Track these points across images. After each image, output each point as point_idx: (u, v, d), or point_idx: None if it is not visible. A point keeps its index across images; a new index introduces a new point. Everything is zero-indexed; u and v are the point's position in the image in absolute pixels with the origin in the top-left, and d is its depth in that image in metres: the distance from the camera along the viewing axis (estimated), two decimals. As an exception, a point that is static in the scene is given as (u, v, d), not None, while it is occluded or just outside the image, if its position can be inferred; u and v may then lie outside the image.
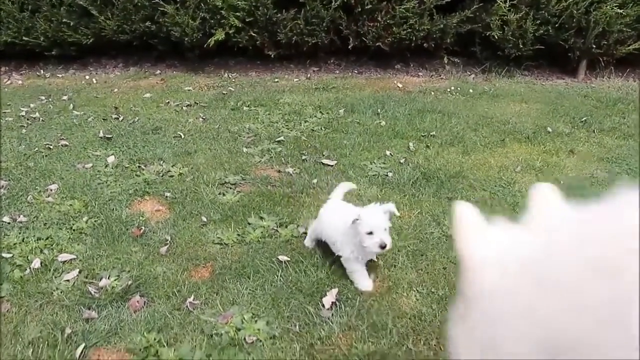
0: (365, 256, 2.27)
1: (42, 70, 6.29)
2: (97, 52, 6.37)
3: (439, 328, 2.04)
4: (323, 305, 2.20)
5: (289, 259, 2.49)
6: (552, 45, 5.43)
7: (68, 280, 2.42)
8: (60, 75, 6.18)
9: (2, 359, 1.98)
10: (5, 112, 4.80)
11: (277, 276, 2.38)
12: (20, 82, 5.99)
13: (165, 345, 2.03)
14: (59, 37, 5.92)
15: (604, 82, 5.59)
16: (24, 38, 5.88)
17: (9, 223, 2.91)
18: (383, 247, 2.11)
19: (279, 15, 5.52)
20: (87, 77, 6.05)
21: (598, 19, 5.12)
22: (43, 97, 5.26)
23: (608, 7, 5.05)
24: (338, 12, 5.36)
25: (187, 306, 2.23)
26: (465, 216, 0.93)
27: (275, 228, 2.79)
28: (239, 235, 2.76)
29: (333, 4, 5.27)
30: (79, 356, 1.99)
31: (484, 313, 0.75)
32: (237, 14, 5.52)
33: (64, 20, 5.78)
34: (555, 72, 5.82)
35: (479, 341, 0.76)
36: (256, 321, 2.14)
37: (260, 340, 2.03)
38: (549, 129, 4.16)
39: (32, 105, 5.01)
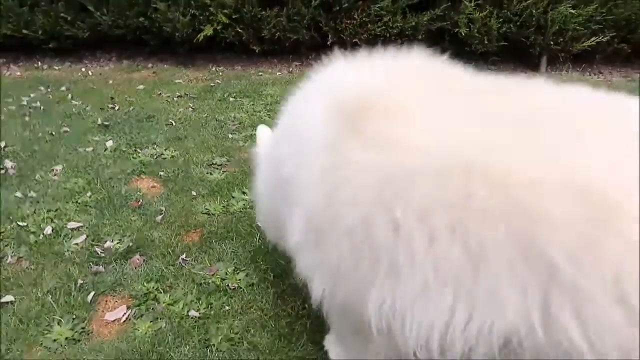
0: None
1: (39, 63, 6.63)
2: (92, 45, 6.71)
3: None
4: (294, 261, 2.63)
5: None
6: (515, 42, 5.88)
7: (77, 244, 2.83)
8: (57, 68, 6.54)
9: (26, 304, 2.39)
10: (7, 102, 5.16)
11: (256, 238, 2.81)
12: (18, 73, 6.35)
13: (162, 292, 2.45)
14: (57, 31, 6.26)
15: (562, 75, 6.07)
16: (23, 31, 6.22)
17: (20, 198, 3.31)
18: None
19: (264, 12, 5.92)
20: (83, 69, 6.41)
21: (555, 18, 5.58)
22: (42, 88, 5.62)
23: (563, 7, 5.52)
24: (318, 10, 5.77)
25: (179, 262, 2.65)
26: (261, 131, 2.16)
27: (256, 201, 3.22)
28: (224, 207, 3.18)
29: (313, 2, 5.69)
30: (90, 301, 2.41)
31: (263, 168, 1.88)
32: (225, 11, 5.91)
33: (61, 14, 6.13)
34: (520, 67, 6.28)
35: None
36: (238, 273, 2.57)
37: (241, 287, 2.47)
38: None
39: (32, 95, 5.37)
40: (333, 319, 1.61)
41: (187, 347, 2.12)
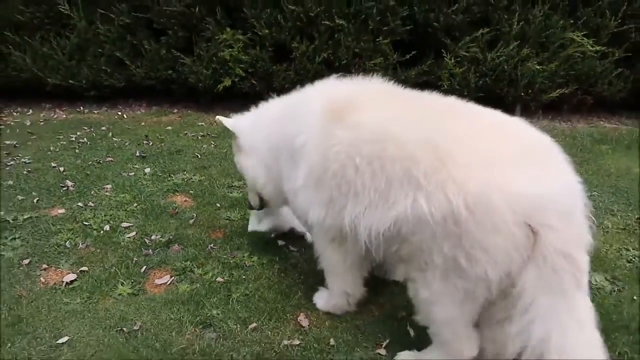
0: None
1: (81, 107, 7.67)
2: (125, 94, 7.75)
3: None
4: (296, 249, 3.49)
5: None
6: (491, 93, 6.81)
7: (130, 236, 3.71)
8: (95, 112, 7.54)
9: (97, 272, 3.25)
10: (59, 137, 6.14)
11: (266, 236, 3.66)
12: (64, 116, 7.37)
13: (196, 267, 3.31)
14: (97, 81, 7.32)
15: (534, 122, 6.94)
16: (69, 81, 7.29)
17: (82, 207, 4.21)
18: None
19: (274, 67, 6.93)
20: (118, 113, 7.42)
21: (524, 72, 6.53)
22: (86, 127, 6.60)
23: (530, 64, 6.48)
24: (321, 66, 6.77)
25: (208, 249, 3.52)
26: (228, 120, 3.07)
27: (266, 211, 4.08)
28: (242, 215, 4.05)
29: (317, 59, 6.70)
30: (143, 272, 3.27)
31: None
32: (242, 65, 6.93)
33: (102, 67, 7.20)
34: (497, 115, 7.20)
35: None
36: (252, 257, 3.42)
37: (254, 265, 3.32)
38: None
39: (78, 133, 6.35)
40: (319, 233, 2.57)
41: (215, 298, 2.96)
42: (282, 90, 6.89)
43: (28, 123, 6.92)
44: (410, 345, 2.54)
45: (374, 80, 2.56)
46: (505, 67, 6.59)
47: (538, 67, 6.51)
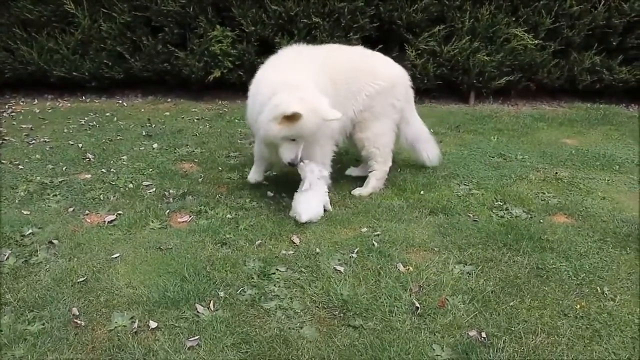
0: None
1: (82, 97, 8.47)
2: (122, 85, 8.57)
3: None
4: (286, 195, 4.43)
5: (267, 183, 4.71)
6: (449, 81, 7.87)
7: (151, 191, 4.60)
8: (96, 101, 8.35)
9: (129, 215, 4.14)
10: (69, 122, 6.96)
11: (262, 188, 4.59)
12: (68, 104, 8.16)
13: (210, 210, 4.22)
14: (99, 73, 8.13)
15: (485, 106, 8.05)
16: (73, 73, 8.09)
17: (106, 172, 5.07)
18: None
19: (259, 60, 7.82)
20: (118, 102, 8.25)
21: (475, 63, 7.59)
22: (91, 114, 7.42)
23: (480, 55, 7.54)
24: (300, 57, 7.73)
25: (217, 198, 4.43)
26: None
27: (260, 172, 5.01)
28: (240, 176, 4.97)
29: (297, 52, 7.67)
30: (167, 214, 4.17)
31: None
32: (230, 58, 7.82)
33: (104, 61, 8.02)
34: (455, 100, 8.24)
35: None
36: (252, 202, 4.35)
37: (254, 207, 4.26)
38: (431, 130, 6.48)
39: (86, 118, 7.17)
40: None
41: (227, 228, 3.90)
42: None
43: (37, 110, 7.71)
44: (374, 253, 3.52)
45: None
46: (459, 58, 7.65)
47: (487, 58, 7.57)
